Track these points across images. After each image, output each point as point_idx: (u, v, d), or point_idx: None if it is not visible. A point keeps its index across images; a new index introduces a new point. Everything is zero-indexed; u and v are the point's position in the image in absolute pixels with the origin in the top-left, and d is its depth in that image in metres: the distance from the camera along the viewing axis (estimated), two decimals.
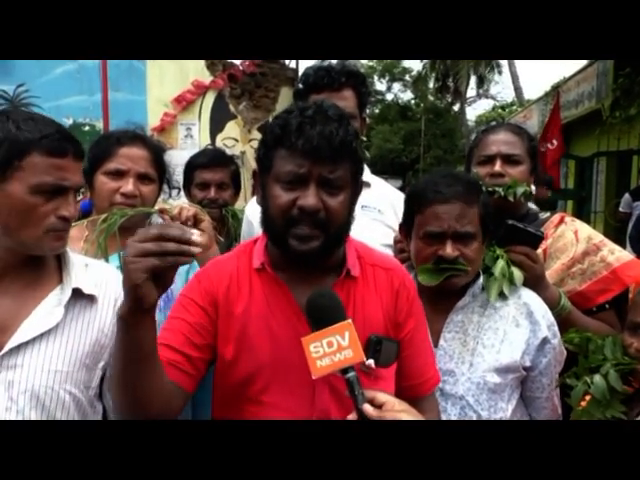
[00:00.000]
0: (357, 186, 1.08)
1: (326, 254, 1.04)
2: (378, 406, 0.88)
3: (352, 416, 0.88)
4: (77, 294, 1.11)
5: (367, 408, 0.86)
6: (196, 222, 1.43)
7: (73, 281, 1.11)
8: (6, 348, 1.02)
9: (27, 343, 1.04)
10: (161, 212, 1.51)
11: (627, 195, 6.61)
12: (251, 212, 1.88)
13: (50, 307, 1.08)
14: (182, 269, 1.55)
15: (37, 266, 1.11)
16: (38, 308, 1.07)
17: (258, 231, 1.81)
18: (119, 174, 1.47)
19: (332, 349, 0.88)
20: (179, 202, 1.72)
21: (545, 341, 1.31)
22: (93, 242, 1.43)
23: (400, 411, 0.89)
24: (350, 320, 0.91)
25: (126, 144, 1.50)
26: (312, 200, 0.97)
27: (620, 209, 6.65)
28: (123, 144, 1.49)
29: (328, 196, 0.99)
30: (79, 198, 1.20)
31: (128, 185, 1.46)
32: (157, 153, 1.56)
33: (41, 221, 1.02)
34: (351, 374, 0.89)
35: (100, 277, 1.17)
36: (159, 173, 1.56)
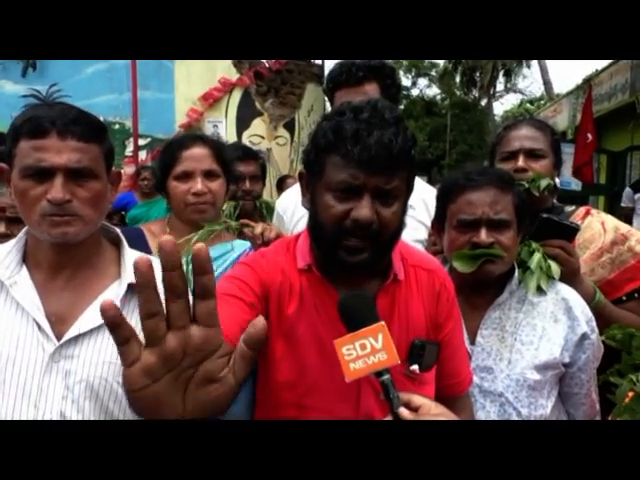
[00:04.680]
0: (410, 192, 1.03)
1: (374, 265, 1.00)
2: (414, 409, 0.87)
3: (387, 419, 0.87)
4: (133, 289, 1.11)
5: (403, 411, 0.85)
6: None
7: (129, 276, 1.12)
8: (65, 338, 1.05)
9: (84, 335, 1.06)
10: (244, 225, 1.57)
11: (628, 189, 6.27)
12: (282, 207, 1.89)
13: None
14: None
15: (96, 261, 1.14)
16: (96, 301, 1.09)
17: (288, 226, 1.83)
18: (187, 176, 1.55)
19: (365, 352, 0.86)
20: None
21: (584, 337, 1.29)
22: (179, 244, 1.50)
23: (437, 414, 0.87)
24: (383, 322, 0.88)
25: (187, 146, 1.58)
26: (367, 212, 0.92)
27: (622, 204, 6.31)
28: (185, 147, 1.58)
29: (382, 207, 0.94)
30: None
31: (197, 184, 1.54)
32: (217, 149, 1.62)
33: (34, 206, 1.02)
34: (386, 377, 0.87)
35: (157, 275, 1.17)
36: (223, 167, 1.62)
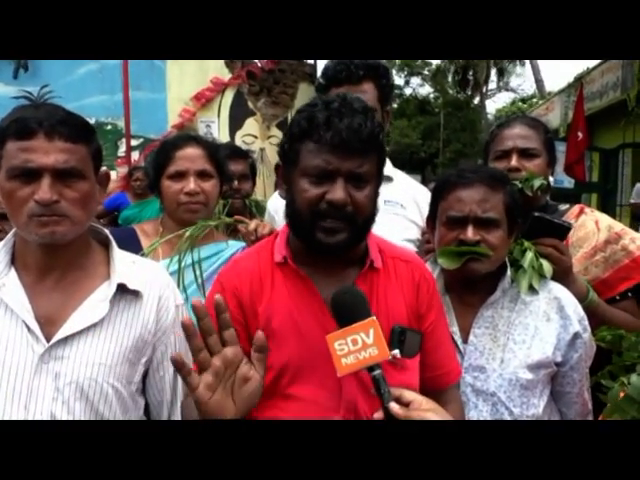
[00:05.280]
0: (381, 177, 1.08)
1: (351, 246, 1.04)
2: (405, 404, 0.87)
3: (378, 414, 0.88)
4: (122, 290, 1.12)
5: (394, 407, 0.86)
6: None
7: (118, 276, 1.12)
8: (54, 339, 1.05)
9: (74, 336, 1.06)
10: (237, 222, 1.60)
11: (639, 185, 6.32)
12: (273, 207, 1.89)
13: (96, 301, 1.10)
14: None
15: (85, 261, 1.14)
16: (85, 302, 1.09)
17: (280, 225, 1.83)
18: (180, 175, 1.56)
19: (357, 347, 0.88)
20: None
21: (576, 336, 1.29)
22: (170, 241, 1.52)
23: (427, 410, 0.87)
24: (375, 317, 0.90)
25: (181, 146, 1.58)
26: (341, 194, 0.97)
27: (631, 200, 6.34)
28: (179, 147, 1.58)
29: (355, 190, 0.99)
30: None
31: (190, 184, 1.55)
32: (211, 149, 1.63)
33: (22, 207, 1.02)
34: (377, 372, 0.88)
35: (146, 274, 1.18)
36: (217, 168, 1.63)
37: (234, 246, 1.61)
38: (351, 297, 0.93)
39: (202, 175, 1.57)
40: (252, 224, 1.51)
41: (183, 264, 1.44)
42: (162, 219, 1.66)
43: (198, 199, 1.55)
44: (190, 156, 1.57)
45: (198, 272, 1.47)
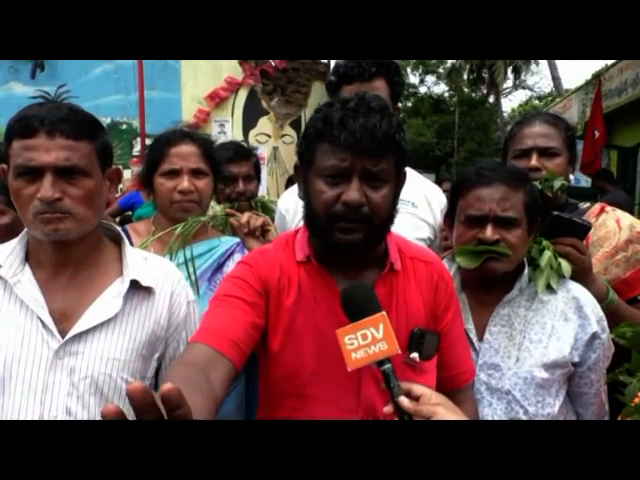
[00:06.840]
0: (400, 178, 1.06)
1: (369, 246, 1.03)
2: (415, 398, 0.88)
3: (388, 408, 0.88)
4: (135, 286, 1.13)
5: (403, 400, 0.86)
6: (263, 232, 1.44)
7: (132, 273, 1.13)
8: (69, 335, 1.06)
9: (88, 331, 1.07)
10: (229, 215, 1.57)
11: None
12: (284, 206, 1.88)
13: (110, 297, 1.11)
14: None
15: (98, 258, 1.15)
16: (99, 298, 1.10)
17: (291, 225, 1.83)
18: (174, 173, 1.54)
19: (366, 341, 0.88)
20: None
21: (594, 336, 1.27)
22: (162, 239, 1.50)
23: (436, 404, 0.87)
24: (384, 312, 0.90)
25: (175, 144, 1.55)
26: (355, 195, 0.95)
27: None
28: (173, 144, 1.55)
29: (371, 190, 0.97)
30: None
31: (183, 182, 1.53)
32: (206, 147, 1.60)
33: (28, 205, 1.03)
34: (387, 366, 0.88)
35: (157, 271, 1.19)
36: (211, 166, 1.61)
37: (228, 242, 1.58)
38: (361, 292, 0.93)
39: (196, 173, 1.54)
40: (244, 217, 1.48)
41: (175, 262, 1.41)
42: (154, 218, 1.63)
43: (192, 197, 1.53)
44: (184, 154, 1.54)
45: (191, 269, 1.44)
